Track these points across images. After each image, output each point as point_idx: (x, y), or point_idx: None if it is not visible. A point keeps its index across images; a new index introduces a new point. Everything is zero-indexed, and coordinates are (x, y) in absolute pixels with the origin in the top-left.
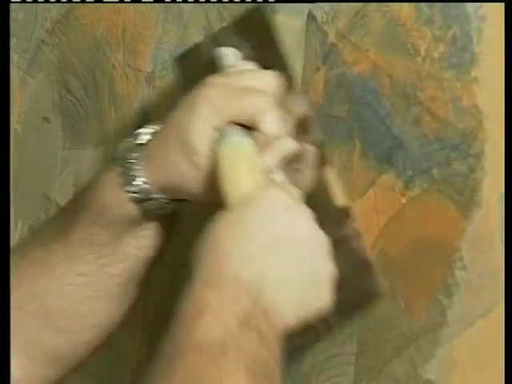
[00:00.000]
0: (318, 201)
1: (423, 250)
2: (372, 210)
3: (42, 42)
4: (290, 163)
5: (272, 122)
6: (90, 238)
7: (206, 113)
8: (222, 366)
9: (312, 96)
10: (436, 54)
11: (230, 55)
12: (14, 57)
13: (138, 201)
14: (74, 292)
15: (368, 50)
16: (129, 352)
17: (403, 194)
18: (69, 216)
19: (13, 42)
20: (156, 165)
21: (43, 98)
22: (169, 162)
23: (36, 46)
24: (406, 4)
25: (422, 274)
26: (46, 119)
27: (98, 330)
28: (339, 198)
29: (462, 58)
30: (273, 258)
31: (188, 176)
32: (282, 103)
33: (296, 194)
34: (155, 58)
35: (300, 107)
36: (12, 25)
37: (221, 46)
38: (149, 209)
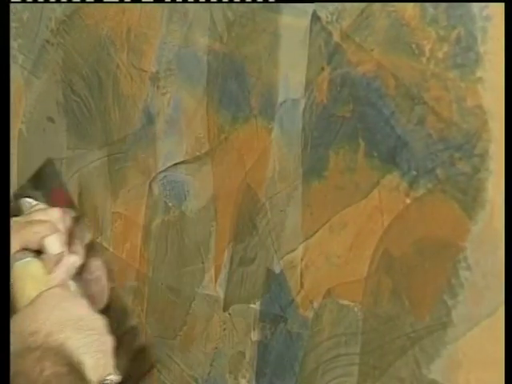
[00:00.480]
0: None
1: (427, 250)
2: (376, 209)
3: (47, 42)
4: (82, 276)
5: (53, 243)
6: None
7: None
8: None
9: (316, 96)
10: (440, 54)
11: (25, 204)
12: (19, 57)
13: None
14: None
15: (372, 50)
16: None
17: (407, 194)
18: None
19: (18, 42)
20: None
21: (48, 98)
22: None
23: (41, 47)
24: (410, 4)
25: (427, 274)
26: (50, 119)
27: None
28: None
29: (466, 58)
30: (69, 333)
31: None
32: (69, 230)
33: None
34: (159, 58)
35: (86, 233)
36: (17, 25)
37: (20, 198)
38: None
